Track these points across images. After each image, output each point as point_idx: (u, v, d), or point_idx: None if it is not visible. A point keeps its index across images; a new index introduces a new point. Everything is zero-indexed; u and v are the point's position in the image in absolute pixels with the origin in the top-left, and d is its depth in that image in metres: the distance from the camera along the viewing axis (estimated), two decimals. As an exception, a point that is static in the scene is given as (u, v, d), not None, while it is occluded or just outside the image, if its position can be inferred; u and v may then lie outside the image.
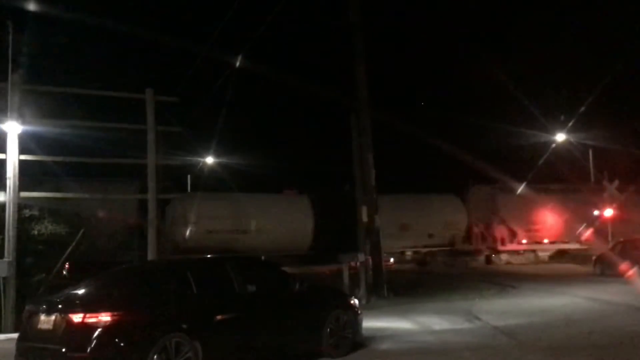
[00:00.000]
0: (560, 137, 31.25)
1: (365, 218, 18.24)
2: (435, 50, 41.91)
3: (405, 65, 44.29)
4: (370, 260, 17.33)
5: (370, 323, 10.96)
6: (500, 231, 30.76)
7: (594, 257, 23.96)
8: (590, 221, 30.10)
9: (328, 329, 9.00)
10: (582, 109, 27.19)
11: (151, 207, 15.77)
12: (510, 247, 30.89)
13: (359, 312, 9.80)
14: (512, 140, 32.05)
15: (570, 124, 29.81)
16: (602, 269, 22.39)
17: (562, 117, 30.27)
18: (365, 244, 17.94)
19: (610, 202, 30.08)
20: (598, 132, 31.44)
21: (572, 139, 31.28)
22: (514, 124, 32.07)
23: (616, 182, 30.57)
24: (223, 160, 26.07)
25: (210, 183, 25.84)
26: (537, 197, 29.44)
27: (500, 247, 30.85)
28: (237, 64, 16.75)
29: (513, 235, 30.79)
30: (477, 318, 12.41)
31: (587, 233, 29.60)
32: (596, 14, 37.59)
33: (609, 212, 29.82)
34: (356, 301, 10.23)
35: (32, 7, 14.29)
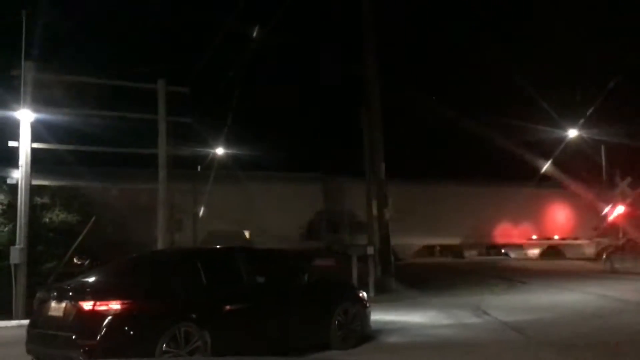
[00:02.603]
0: (573, 133, 30.83)
1: (375, 211, 18.25)
2: (446, 44, 41.64)
3: (415, 57, 44.07)
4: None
5: (379, 316, 10.96)
6: None
7: (604, 254, 23.85)
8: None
9: (336, 321, 9.01)
10: (596, 104, 26.78)
11: (161, 196, 15.85)
12: None
13: (367, 304, 9.80)
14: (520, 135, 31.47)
15: (582, 119, 29.32)
16: (613, 265, 22.29)
17: (577, 107, 29.14)
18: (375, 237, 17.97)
19: (622, 200, 29.90)
20: (610, 128, 31.05)
21: (584, 135, 30.86)
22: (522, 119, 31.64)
23: (629, 179, 30.37)
24: (234, 151, 26.08)
25: (220, 173, 25.84)
26: None
27: None
28: (252, 40, 16.71)
29: None
30: (486, 313, 12.38)
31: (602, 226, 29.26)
32: (611, 6, 37.22)
33: (620, 210, 29.60)
34: (364, 294, 10.22)
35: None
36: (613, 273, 21.45)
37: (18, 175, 13.85)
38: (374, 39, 18.26)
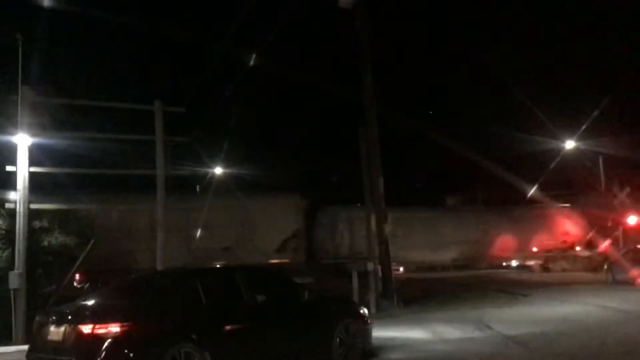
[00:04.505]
0: (570, 144, 30.84)
1: (374, 227, 18.22)
2: (440, 54, 41.95)
3: (409, 69, 44.37)
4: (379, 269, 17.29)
5: (380, 332, 10.91)
6: None
7: (605, 265, 23.75)
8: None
9: (337, 339, 8.96)
10: (594, 114, 26.78)
11: (160, 216, 15.81)
12: None
13: (369, 321, 9.76)
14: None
15: (580, 130, 29.34)
16: (614, 276, 22.18)
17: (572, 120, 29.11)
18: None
19: (620, 210, 29.88)
20: (608, 139, 31.08)
21: (581, 146, 30.86)
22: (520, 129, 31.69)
23: (627, 189, 30.38)
24: (232, 170, 26.15)
25: (219, 192, 25.86)
26: None
27: None
28: (251, 61, 16.88)
29: None
30: (489, 327, 12.31)
31: (605, 244, 28.92)
32: (608, 17, 37.49)
33: (632, 220, 29.46)
34: (365, 310, 10.18)
35: (42, 17, 14.44)
36: (614, 284, 21.34)
37: (16, 199, 13.82)
38: (370, 59, 18.35)
